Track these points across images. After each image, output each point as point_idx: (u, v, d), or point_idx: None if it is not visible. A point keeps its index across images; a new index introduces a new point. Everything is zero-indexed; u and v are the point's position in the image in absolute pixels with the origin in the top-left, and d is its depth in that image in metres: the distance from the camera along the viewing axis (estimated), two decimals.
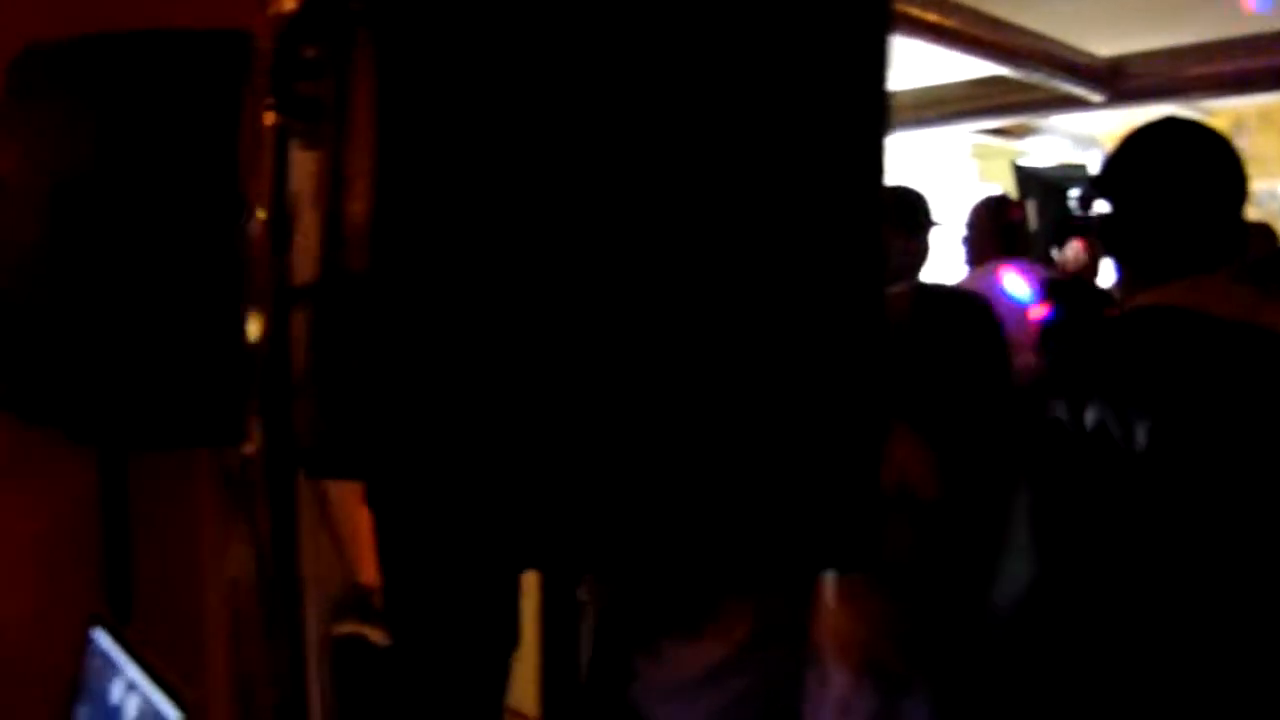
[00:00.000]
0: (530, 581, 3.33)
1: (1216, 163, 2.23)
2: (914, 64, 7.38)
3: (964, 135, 9.80)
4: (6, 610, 3.18)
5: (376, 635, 3.70)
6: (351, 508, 3.59)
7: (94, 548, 2.69)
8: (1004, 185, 8.10)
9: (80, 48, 2.56)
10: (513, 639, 3.66)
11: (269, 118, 2.25)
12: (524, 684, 3.74)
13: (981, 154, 10.19)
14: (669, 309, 1.20)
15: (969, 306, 2.44)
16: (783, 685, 2.23)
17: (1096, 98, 7.68)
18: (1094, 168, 8.35)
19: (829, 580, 2.13)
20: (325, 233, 1.48)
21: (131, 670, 1.62)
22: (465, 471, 1.20)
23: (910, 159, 9.37)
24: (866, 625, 2.15)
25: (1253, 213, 2.79)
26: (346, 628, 3.90)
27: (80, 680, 1.81)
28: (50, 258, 2.50)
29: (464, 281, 1.19)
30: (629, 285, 1.20)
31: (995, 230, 4.89)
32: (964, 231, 5.00)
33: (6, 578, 3.20)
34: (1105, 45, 7.42)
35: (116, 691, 1.66)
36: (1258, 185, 2.55)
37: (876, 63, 1.30)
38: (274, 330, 2.28)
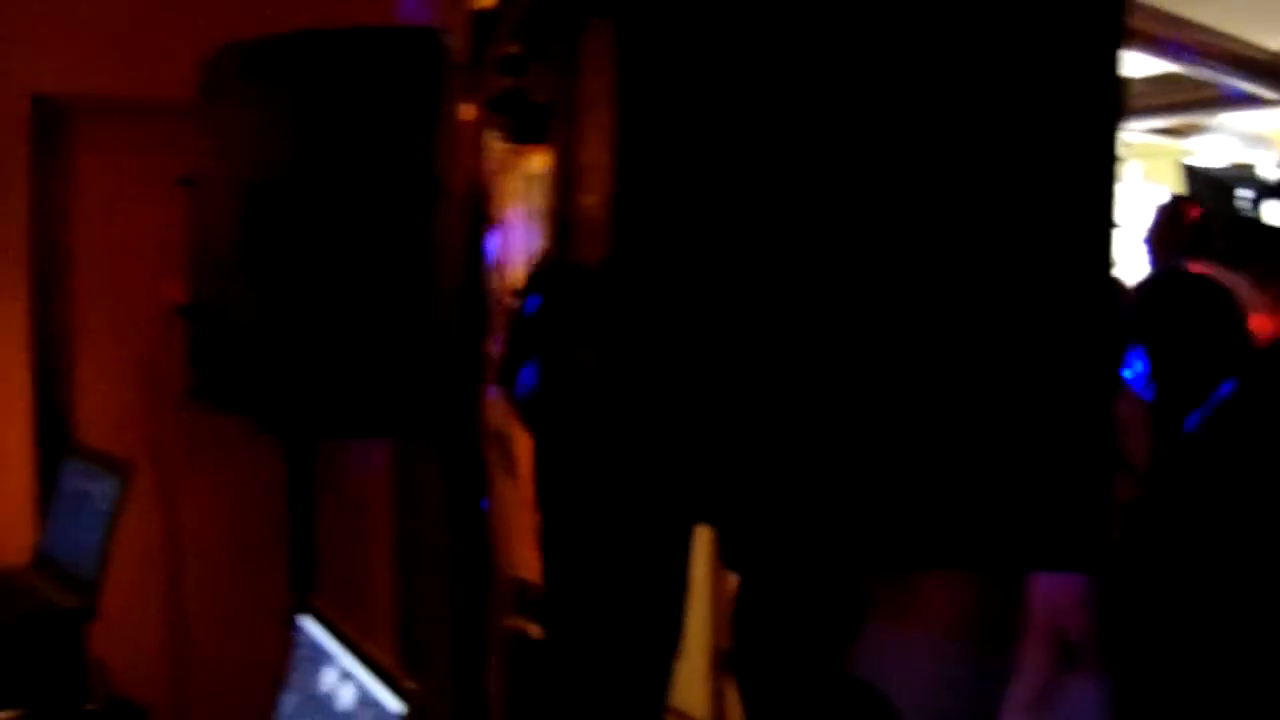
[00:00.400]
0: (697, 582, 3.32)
1: None
2: None
3: (1128, 134, 9.56)
4: (205, 601, 3.27)
5: (538, 631, 3.72)
6: (513, 504, 3.61)
7: (282, 536, 2.73)
8: (1170, 185, 7.89)
9: (273, 47, 2.60)
10: (675, 641, 3.64)
11: (468, 112, 2.27)
12: (691, 685, 3.73)
13: (1146, 154, 9.93)
14: (914, 302, 1.18)
15: (1203, 287, 2.39)
16: (999, 662, 2.19)
17: (1273, 95, 7.43)
18: (1264, 167, 8.10)
19: None
20: (555, 225, 1.47)
21: (345, 659, 1.63)
22: (707, 458, 1.19)
23: None
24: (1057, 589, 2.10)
25: None
26: (511, 622, 3.92)
27: (286, 668, 1.83)
28: (244, 254, 2.55)
29: (703, 272, 1.18)
30: (873, 277, 1.17)
31: (1178, 231, 4.78)
32: (1146, 233, 4.89)
33: (202, 565, 3.29)
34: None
35: (327, 680, 1.67)
36: None
37: (1110, 66, 1.27)
38: (472, 323, 2.30)
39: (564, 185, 1.42)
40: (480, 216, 2.24)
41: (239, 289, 2.56)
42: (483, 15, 2.28)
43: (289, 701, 1.82)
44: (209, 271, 2.69)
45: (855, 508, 1.22)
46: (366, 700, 1.55)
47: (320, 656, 1.72)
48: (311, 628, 1.77)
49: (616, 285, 1.21)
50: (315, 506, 2.73)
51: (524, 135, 2.11)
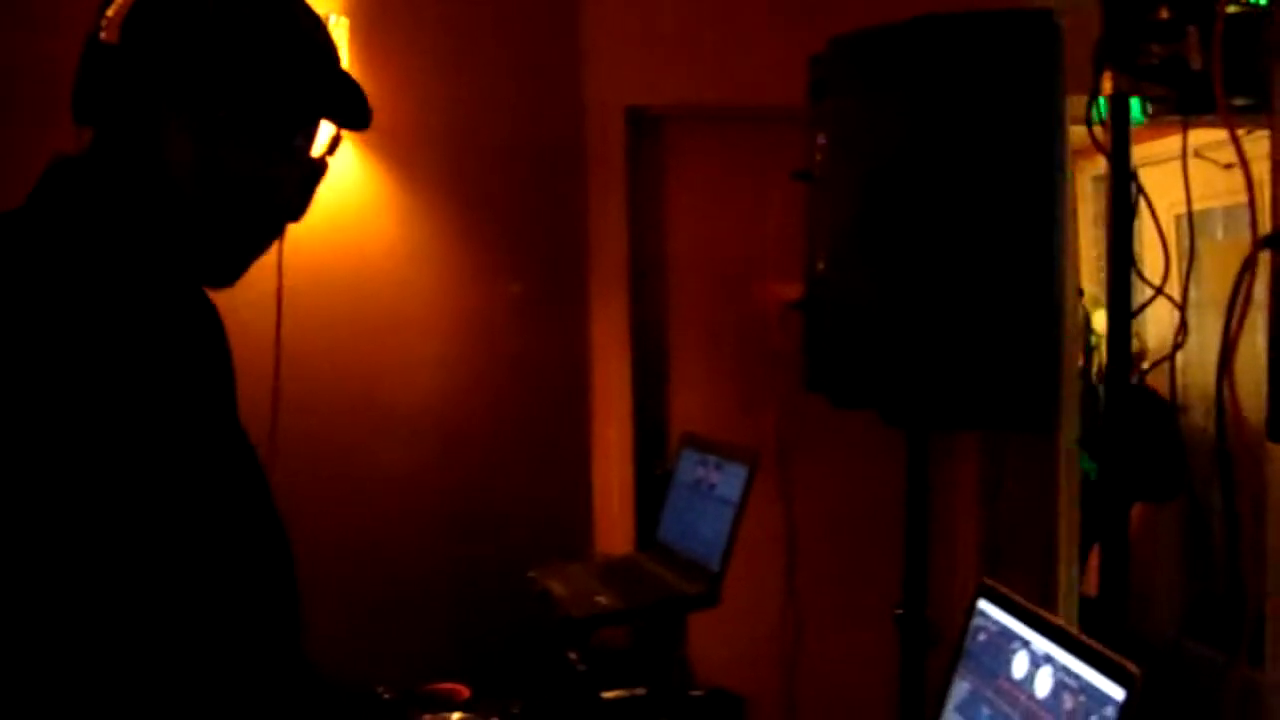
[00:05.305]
0: None
1: None
2: None
3: None
4: (818, 593, 3.30)
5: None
6: None
7: (895, 532, 2.71)
8: None
9: (881, 37, 2.59)
10: None
11: (1108, 87, 2.16)
12: None
13: None
14: None
15: None
16: None
17: None
18: None
19: None
20: (1275, 211, 1.35)
21: (1039, 642, 1.57)
22: None
23: None
24: None
25: None
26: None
27: (962, 649, 1.79)
28: (862, 245, 2.55)
29: None
30: None
31: None
32: None
33: (816, 556, 3.33)
34: None
35: (1018, 667, 1.62)
36: None
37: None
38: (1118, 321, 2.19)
39: None
40: (1126, 198, 2.13)
41: (858, 281, 2.57)
42: None
43: (960, 690, 1.78)
44: (828, 263, 2.70)
45: None
46: (1070, 687, 1.48)
47: (1006, 642, 1.67)
48: (992, 611, 1.73)
49: None
50: (930, 501, 2.70)
51: (1186, 106, 1.98)
